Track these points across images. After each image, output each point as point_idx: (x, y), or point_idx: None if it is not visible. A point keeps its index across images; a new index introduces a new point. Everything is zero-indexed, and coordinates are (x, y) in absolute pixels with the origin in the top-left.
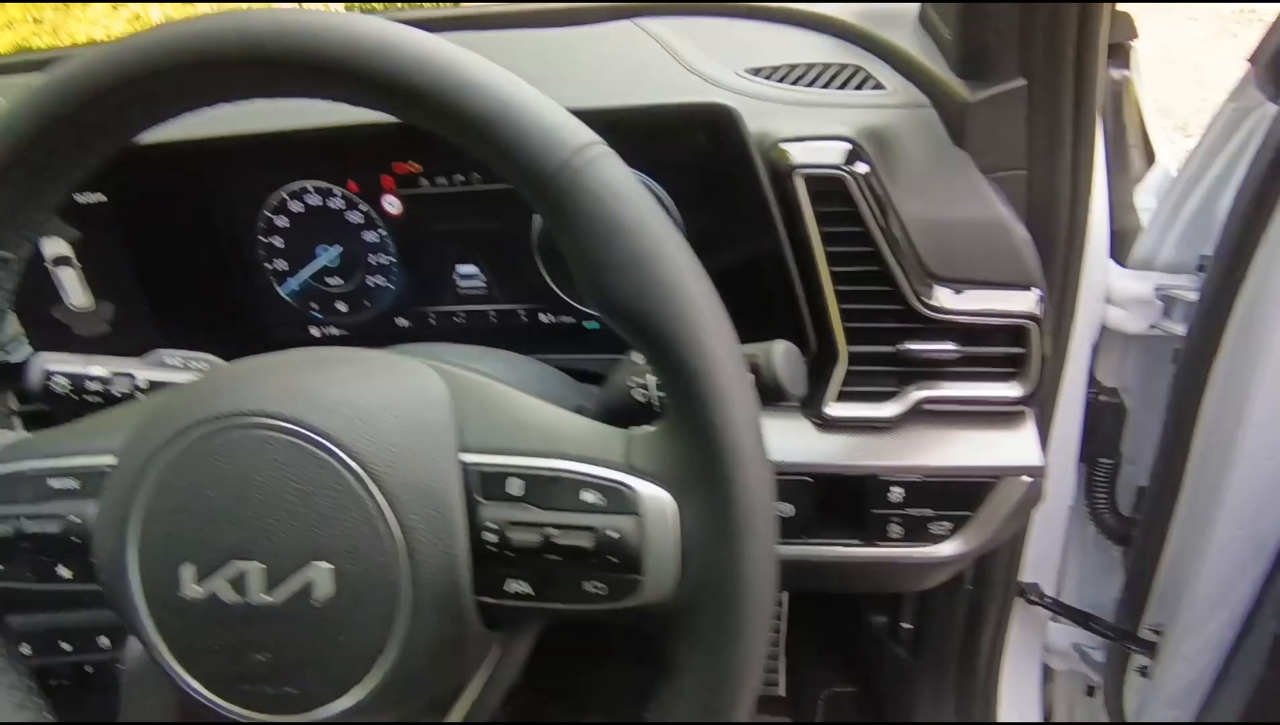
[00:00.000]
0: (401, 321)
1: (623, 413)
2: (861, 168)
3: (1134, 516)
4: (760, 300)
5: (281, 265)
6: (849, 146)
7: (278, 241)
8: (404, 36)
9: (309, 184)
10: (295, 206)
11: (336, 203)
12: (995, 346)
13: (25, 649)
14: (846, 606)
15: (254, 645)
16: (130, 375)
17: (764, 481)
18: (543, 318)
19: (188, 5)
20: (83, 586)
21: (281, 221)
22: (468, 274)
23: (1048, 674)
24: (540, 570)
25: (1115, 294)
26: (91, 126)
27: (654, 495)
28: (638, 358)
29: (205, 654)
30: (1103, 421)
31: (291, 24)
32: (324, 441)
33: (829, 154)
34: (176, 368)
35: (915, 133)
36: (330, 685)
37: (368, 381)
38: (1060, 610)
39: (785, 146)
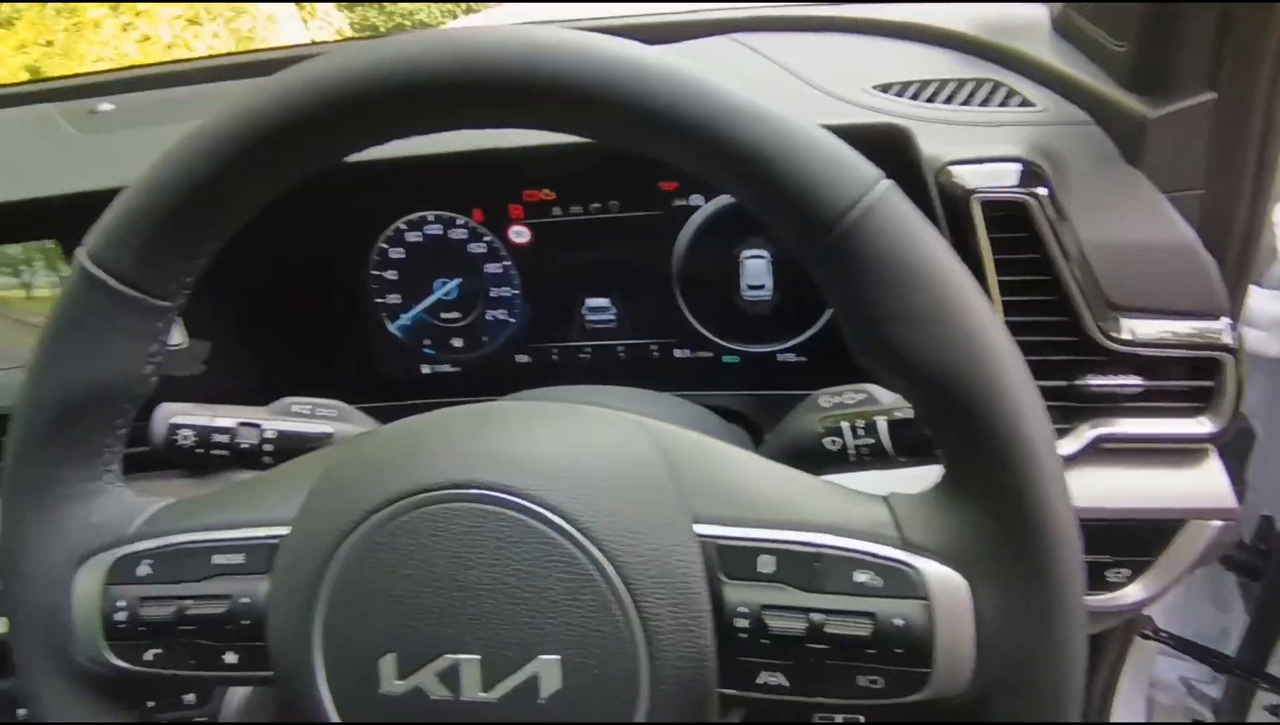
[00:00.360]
0: (521, 358)
1: (798, 461)
2: (1042, 191)
3: (1257, 545)
4: None
5: (394, 299)
6: (1025, 168)
7: (391, 275)
8: (657, 60)
9: (430, 213)
10: (413, 237)
11: (458, 233)
12: (1181, 379)
13: None
14: None
15: None
16: (257, 426)
17: (1079, 561)
18: (677, 353)
19: (195, 24)
20: (251, 673)
21: (397, 253)
22: (597, 307)
23: (1149, 707)
24: (801, 661)
25: (1253, 315)
26: (280, 162)
27: (942, 575)
28: (826, 401)
29: None
30: (1231, 447)
31: (520, 44)
32: (550, 515)
33: (1006, 177)
34: (305, 416)
35: (1084, 152)
36: None
37: (580, 442)
38: (1179, 646)
39: (955, 169)
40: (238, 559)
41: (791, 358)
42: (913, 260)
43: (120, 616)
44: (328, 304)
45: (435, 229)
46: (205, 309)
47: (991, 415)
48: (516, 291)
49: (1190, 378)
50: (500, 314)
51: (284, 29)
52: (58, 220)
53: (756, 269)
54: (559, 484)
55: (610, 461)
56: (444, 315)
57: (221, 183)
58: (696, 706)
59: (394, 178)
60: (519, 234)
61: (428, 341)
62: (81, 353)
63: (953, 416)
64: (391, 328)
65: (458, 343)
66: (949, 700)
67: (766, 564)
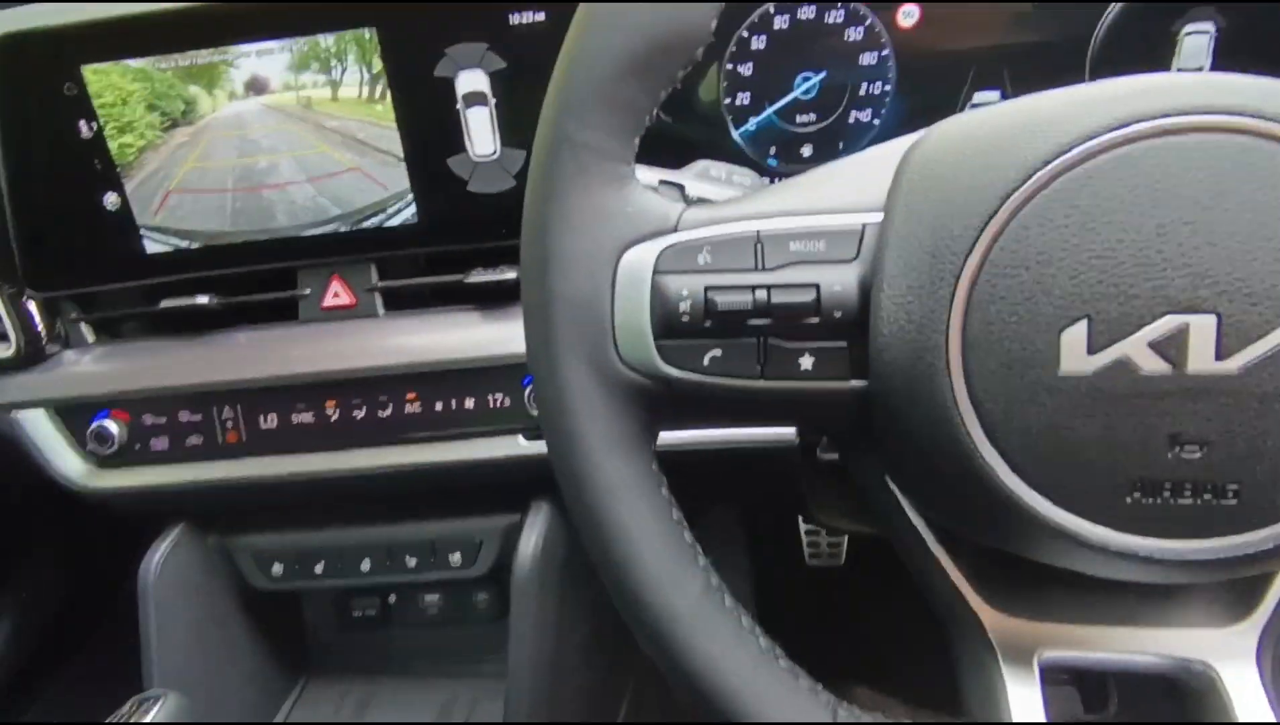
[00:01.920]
0: None
1: None
2: None
3: None
4: None
5: (744, 100)
6: None
7: (746, 70)
8: None
9: None
10: (780, 23)
11: (835, 16)
12: None
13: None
14: None
15: (1178, 435)
16: (679, 186)
17: None
18: None
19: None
20: (827, 383)
21: (758, 43)
22: (985, 103)
23: None
24: None
25: None
26: None
27: None
28: None
29: (1077, 455)
30: None
31: None
32: None
33: None
34: (721, 181)
35: None
36: None
37: None
38: None
39: None
40: (818, 246)
41: None
42: None
43: (683, 307)
44: (673, 100)
45: (808, 11)
46: (529, 114)
47: None
48: (890, 86)
49: None
50: (864, 115)
51: None
52: (376, 8)
53: (1196, 47)
54: None
55: None
56: (799, 118)
57: None
58: None
59: None
60: (908, 15)
61: (774, 150)
62: None
63: None
64: (735, 134)
65: (807, 151)
66: None
67: None
